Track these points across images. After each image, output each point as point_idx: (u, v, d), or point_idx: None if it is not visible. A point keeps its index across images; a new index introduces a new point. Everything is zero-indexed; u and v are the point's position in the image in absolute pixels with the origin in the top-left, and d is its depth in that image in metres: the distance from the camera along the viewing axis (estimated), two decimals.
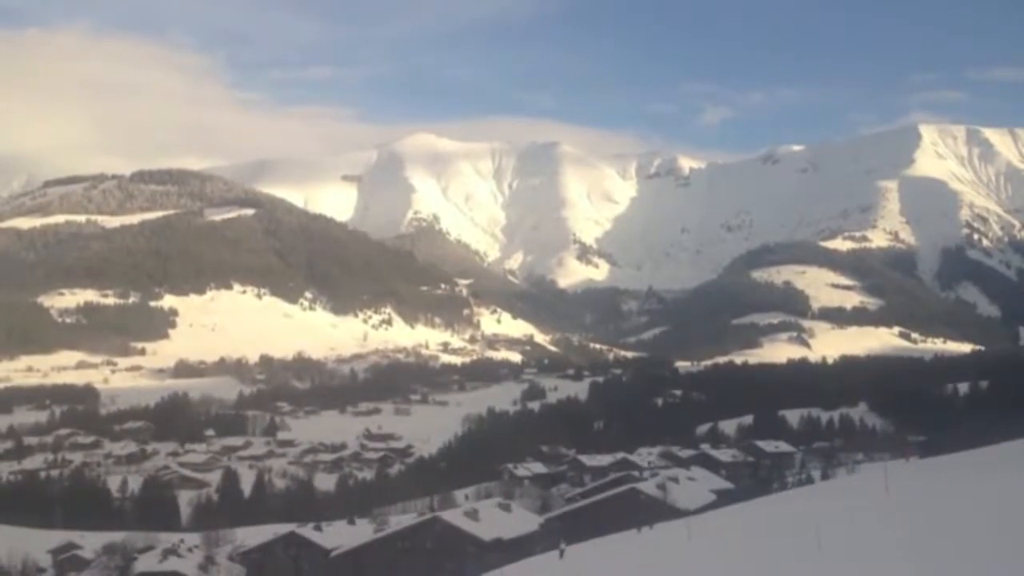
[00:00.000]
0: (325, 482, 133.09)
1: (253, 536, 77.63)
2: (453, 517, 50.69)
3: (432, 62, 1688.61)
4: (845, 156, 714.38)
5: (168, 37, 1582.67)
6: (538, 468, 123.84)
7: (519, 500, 77.93)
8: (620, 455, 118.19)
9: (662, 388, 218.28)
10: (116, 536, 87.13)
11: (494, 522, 50.05)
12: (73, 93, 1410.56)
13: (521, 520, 53.93)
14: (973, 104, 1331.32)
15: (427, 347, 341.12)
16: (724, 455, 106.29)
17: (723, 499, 52.70)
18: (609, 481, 70.95)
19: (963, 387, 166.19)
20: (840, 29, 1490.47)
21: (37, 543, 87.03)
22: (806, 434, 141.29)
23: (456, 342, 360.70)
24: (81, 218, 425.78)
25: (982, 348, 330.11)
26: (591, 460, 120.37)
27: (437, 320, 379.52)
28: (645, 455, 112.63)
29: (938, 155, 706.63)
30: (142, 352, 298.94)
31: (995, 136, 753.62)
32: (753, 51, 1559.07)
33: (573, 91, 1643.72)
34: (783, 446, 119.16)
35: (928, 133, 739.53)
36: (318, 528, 60.32)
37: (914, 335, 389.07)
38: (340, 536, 58.98)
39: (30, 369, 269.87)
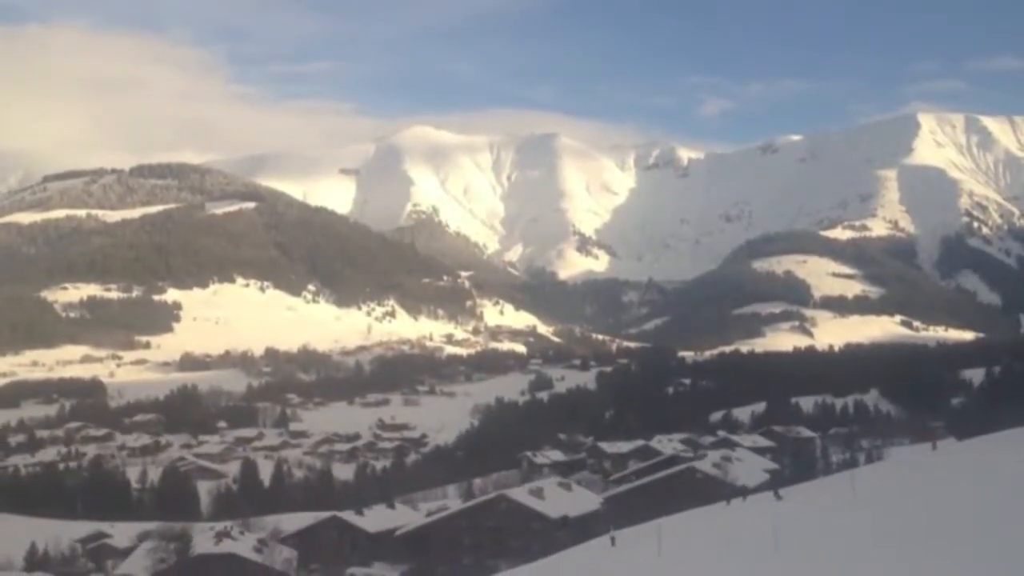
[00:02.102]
0: (342, 472, 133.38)
1: (283, 523, 77.81)
2: (519, 495, 50.81)
3: (430, 55, 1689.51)
4: (844, 145, 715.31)
5: (167, 32, 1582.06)
6: (557, 456, 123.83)
7: None
8: (639, 442, 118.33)
9: (670, 377, 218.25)
10: (142, 526, 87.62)
11: (559, 500, 50.20)
12: (71, 89, 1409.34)
13: (583, 499, 54.13)
14: (971, 92, 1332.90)
15: (431, 339, 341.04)
16: (745, 441, 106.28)
17: (775, 479, 52.73)
18: (661, 461, 71.16)
19: (972, 374, 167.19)
20: (838, 19, 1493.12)
21: (63, 534, 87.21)
22: (822, 420, 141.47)
23: (460, 333, 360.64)
24: (81, 212, 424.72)
25: (983, 336, 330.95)
26: (611, 447, 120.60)
27: (440, 312, 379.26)
28: (666, 442, 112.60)
29: (937, 144, 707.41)
30: (147, 346, 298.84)
31: (993, 124, 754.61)
32: (751, 41, 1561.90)
33: (571, 83, 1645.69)
34: (804, 432, 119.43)
35: (927, 122, 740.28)
36: (359, 512, 60.50)
37: (916, 323, 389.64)
38: (382, 520, 59.15)
39: (35, 363, 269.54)
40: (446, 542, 50.11)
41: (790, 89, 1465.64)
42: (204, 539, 56.43)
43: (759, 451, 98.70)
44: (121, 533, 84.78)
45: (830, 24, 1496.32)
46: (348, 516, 60.00)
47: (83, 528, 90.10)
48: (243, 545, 53.17)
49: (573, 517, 47.53)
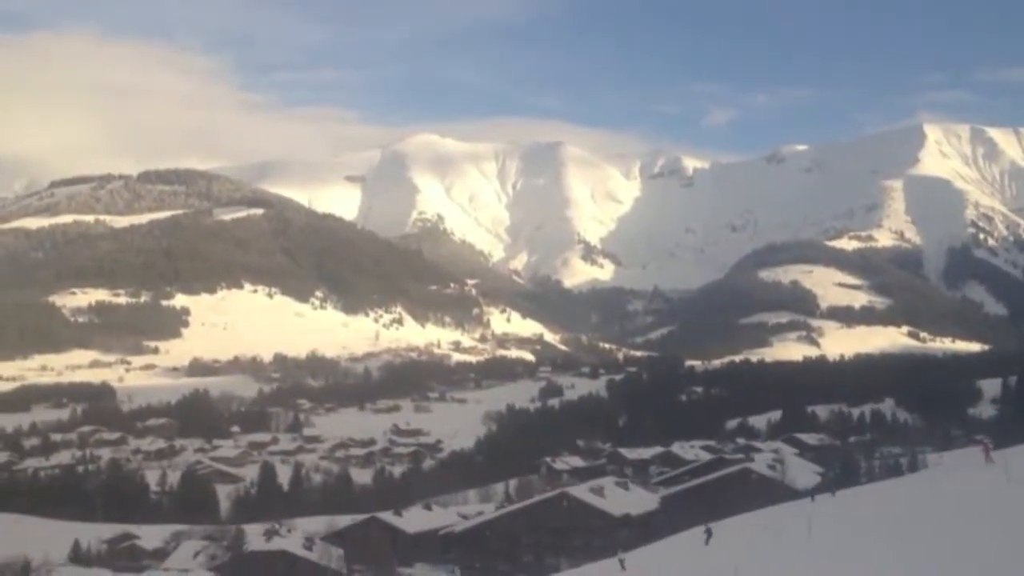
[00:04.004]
0: (359, 476, 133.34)
1: (307, 526, 77.74)
2: (581, 493, 50.78)
3: (436, 63, 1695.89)
4: (850, 156, 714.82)
5: (175, 40, 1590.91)
6: (576, 462, 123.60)
7: None
8: (659, 448, 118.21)
9: (682, 385, 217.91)
10: (167, 528, 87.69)
11: (618, 499, 50.16)
12: (78, 95, 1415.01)
13: (642, 498, 54.12)
14: (977, 103, 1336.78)
15: (439, 346, 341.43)
16: (768, 447, 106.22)
17: (825, 481, 52.47)
18: (708, 463, 71.04)
19: (985, 384, 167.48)
20: (845, 29, 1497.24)
21: (88, 535, 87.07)
22: (839, 428, 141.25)
23: (467, 341, 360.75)
24: (89, 218, 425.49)
25: (990, 347, 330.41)
26: (631, 453, 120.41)
27: (447, 319, 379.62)
28: (688, 448, 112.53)
29: (943, 154, 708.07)
30: (155, 351, 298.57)
31: (999, 135, 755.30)
32: (757, 51, 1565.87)
33: (577, 91, 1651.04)
34: (826, 439, 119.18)
35: (932, 132, 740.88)
36: (398, 513, 60.48)
37: (923, 334, 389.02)
38: (420, 521, 59.11)
39: (44, 368, 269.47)
40: (505, 540, 50.01)
41: (796, 99, 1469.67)
42: (253, 536, 56.44)
43: None
44: (147, 535, 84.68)
45: (836, 34, 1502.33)
46: (387, 517, 59.98)
47: (108, 530, 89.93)
48: (293, 542, 53.21)
49: (635, 515, 47.46)
